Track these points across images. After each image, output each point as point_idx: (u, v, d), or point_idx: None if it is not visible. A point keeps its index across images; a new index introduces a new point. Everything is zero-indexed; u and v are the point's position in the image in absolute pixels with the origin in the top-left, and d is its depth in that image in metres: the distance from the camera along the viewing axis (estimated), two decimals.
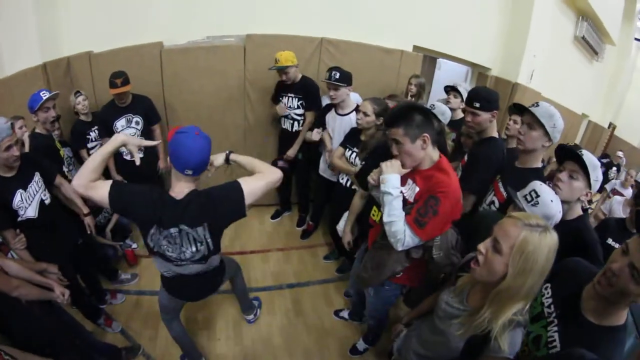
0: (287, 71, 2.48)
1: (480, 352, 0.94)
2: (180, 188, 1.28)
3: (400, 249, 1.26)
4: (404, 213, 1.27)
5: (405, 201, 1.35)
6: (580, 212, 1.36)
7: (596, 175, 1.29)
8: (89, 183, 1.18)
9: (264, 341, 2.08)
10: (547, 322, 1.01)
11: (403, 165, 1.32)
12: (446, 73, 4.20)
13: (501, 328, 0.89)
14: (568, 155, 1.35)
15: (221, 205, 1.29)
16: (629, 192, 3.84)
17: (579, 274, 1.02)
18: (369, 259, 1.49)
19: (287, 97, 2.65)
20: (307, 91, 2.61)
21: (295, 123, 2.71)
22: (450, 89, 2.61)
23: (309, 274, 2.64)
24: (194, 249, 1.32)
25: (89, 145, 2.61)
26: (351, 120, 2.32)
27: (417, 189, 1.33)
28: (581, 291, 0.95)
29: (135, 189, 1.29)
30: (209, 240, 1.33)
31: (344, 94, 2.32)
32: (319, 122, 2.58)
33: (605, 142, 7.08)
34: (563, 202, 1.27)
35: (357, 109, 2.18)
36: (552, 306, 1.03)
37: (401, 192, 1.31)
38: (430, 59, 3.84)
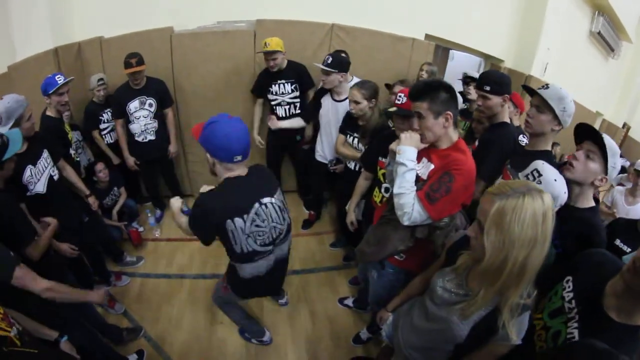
0: (276, 56, 2.42)
1: (485, 340, 0.89)
2: (238, 171, 1.27)
3: (406, 223, 1.21)
4: (415, 187, 1.22)
5: (418, 178, 1.30)
6: (593, 203, 1.24)
7: (614, 161, 1.18)
8: None
9: (266, 327, 2.04)
10: (567, 318, 0.95)
11: (422, 140, 1.27)
12: (459, 64, 4.13)
13: (508, 315, 0.83)
14: (588, 134, 1.25)
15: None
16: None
17: (603, 267, 0.95)
18: (373, 232, 1.44)
19: (278, 85, 2.57)
20: (298, 73, 2.56)
21: (292, 107, 2.64)
22: (471, 80, 2.53)
23: (316, 261, 2.60)
24: (282, 220, 1.36)
25: (101, 126, 2.63)
26: (347, 106, 2.23)
27: (432, 166, 1.28)
28: (604, 286, 0.89)
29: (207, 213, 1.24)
30: (286, 204, 1.38)
31: (335, 80, 2.22)
32: (314, 104, 2.49)
33: (620, 142, 6.89)
34: (575, 183, 1.19)
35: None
36: (573, 301, 0.96)
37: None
38: (443, 49, 3.78)
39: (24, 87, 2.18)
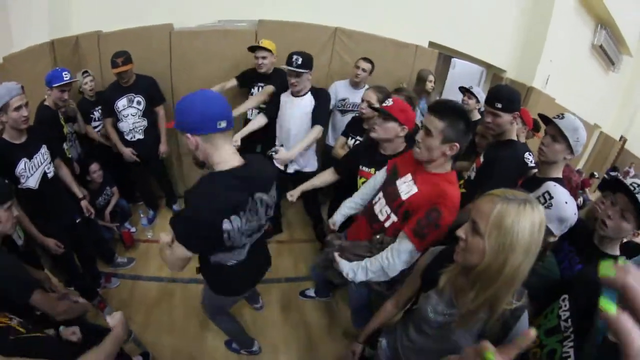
0: (266, 55, 2.37)
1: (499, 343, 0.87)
2: (229, 154, 1.07)
3: (392, 274, 1.24)
4: (364, 263, 1.29)
5: (396, 195, 1.29)
6: (618, 252, 1.19)
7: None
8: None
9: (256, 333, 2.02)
10: (562, 337, 0.95)
11: (415, 153, 1.26)
12: (460, 73, 4.12)
13: (512, 320, 0.82)
14: (620, 186, 1.19)
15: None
16: None
17: (597, 286, 0.94)
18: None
19: (257, 87, 2.51)
20: (283, 83, 2.37)
21: (259, 110, 2.50)
22: (465, 90, 2.56)
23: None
24: (266, 216, 1.22)
25: (93, 124, 2.57)
26: (308, 104, 2.15)
27: (415, 190, 1.26)
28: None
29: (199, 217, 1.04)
30: (275, 197, 1.22)
31: (306, 80, 2.10)
32: (274, 101, 2.32)
33: (616, 154, 6.96)
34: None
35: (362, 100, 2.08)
36: (569, 320, 0.96)
37: (391, 185, 1.35)
38: (445, 57, 3.77)
39: (18, 79, 2.11)
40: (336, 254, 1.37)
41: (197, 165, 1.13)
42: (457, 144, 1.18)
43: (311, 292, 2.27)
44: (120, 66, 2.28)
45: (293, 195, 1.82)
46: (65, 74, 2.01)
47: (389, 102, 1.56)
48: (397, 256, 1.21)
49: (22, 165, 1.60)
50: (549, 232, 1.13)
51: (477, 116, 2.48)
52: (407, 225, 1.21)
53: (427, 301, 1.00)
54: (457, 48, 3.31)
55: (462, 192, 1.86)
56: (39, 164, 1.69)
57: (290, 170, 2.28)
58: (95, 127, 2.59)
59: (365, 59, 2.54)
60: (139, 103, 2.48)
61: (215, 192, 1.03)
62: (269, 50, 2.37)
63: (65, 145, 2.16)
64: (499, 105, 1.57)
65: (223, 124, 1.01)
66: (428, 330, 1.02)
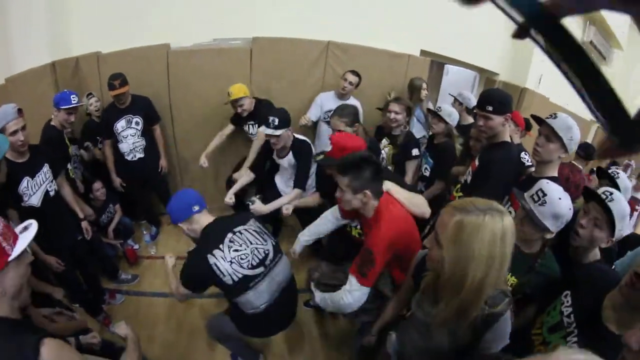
0: (242, 103, 2.44)
1: (468, 353, 0.89)
2: (207, 221, 1.45)
3: (356, 306, 1.34)
4: (327, 296, 1.44)
5: (358, 238, 1.45)
6: (598, 256, 1.22)
7: (622, 226, 1.18)
8: None
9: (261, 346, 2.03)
10: (566, 333, 0.97)
11: (341, 209, 1.49)
12: (454, 78, 4.16)
13: (482, 326, 0.84)
14: (593, 196, 1.24)
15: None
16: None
17: (600, 281, 0.97)
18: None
19: (248, 125, 2.61)
20: (262, 114, 2.40)
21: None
22: (454, 98, 2.68)
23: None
24: (263, 240, 1.47)
25: (100, 146, 2.64)
26: (289, 164, 2.24)
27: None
28: (603, 299, 0.91)
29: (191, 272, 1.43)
30: (264, 229, 1.52)
31: (286, 137, 2.11)
32: (258, 164, 2.44)
33: None
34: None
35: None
36: (571, 315, 0.98)
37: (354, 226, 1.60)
38: (438, 64, 3.82)
39: (20, 100, 2.18)
40: (312, 285, 1.54)
41: (194, 240, 1.50)
42: (367, 190, 1.29)
43: (314, 302, 2.28)
44: (118, 88, 2.33)
45: (288, 208, 1.99)
46: (73, 97, 2.07)
47: (328, 148, 1.65)
48: (348, 295, 1.33)
49: (24, 184, 1.64)
50: (545, 229, 1.15)
51: (468, 120, 2.53)
52: (351, 267, 1.35)
53: (416, 302, 1.04)
54: (448, 55, 3.35)
55: (459, 195, 1.90)
56: (42, 183, 1.72)
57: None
58: (101, 149, 2.65)
59: (353, 72, 2.60)
60: (137, 123, 2.54)
61: (200, 241, 1.43)
62: (242, 96, 2.44)
63: (69, 166, 2.21)
64: (490, 108, 1.58)
65: (196, 207, 1.42)
66: (421, 329, 1.05)
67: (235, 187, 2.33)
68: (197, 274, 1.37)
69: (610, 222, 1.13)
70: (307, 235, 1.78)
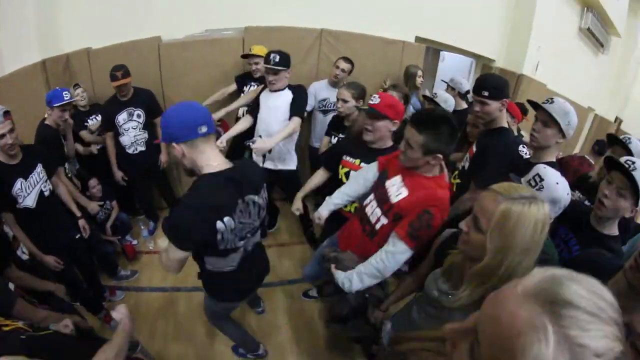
0: (258, 62, 2.43)
1: None
2: (214, 157, 1.11)
3: (387, 275, 1.28)
4: (358, 268, 1.31)
5: (386, 198, 1.31)
6: (617, 232, 1.22)
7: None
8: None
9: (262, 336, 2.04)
10: None
11: (400, 159, 1.29)
12: (450, 65, 4.13)
13: None
14: (616, 165, 1.23)
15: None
16: None
17: (600, 268, 0.95)
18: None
19: (249, 86, 2.59)
20: None
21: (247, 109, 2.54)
22: (446, 84, 2.67)
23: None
24: (258, 217, 1.26)
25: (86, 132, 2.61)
26: (286, 98, 2.13)
27: (405, 193, 1.27)
28: (605, 285, 0.89)
29: (184, 219, 1.08)
30: (266, 199, 1.29)
31: (284, 78, 2.10)
32: (256, 102, 2.29)
33: None
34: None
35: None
36: None
37: (380, 186, 1.37)
38: (433, 50, 3.78)
39: (12, 100, 2.17)
40: (332, 266, 1.38)
41: (188, 174, 1.18)
42: (439, 154, 1.20)
43: (314, 292, 2.28)
44: (120, 79, 2.31)
45: (300, 208, 1.80)
46: (65, 94, 2.03)
47: (375, 100, 1.54)
48: (392, 258, 1.24)
49: (18, 185, 1.62)
50: None
51: (462, 105, 2.51)
52: (399, 227, 1.23)
53: (433, 279, 1.02)
54: (444, 41, 3.32)
55: (457, 182, 1.89)
56: (35, 183, 1.70)
57: (267, 165, 2.25)
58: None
59: (345, 59, 2.56)
60: (139, 116, 2.51)
61: (207, 192, 1.07)
62: (261, 56, 2.39)
63: (65, 165, 2.18)
64: (486, 94, 1.58)
65: (204, 129, 1.06)
66: (430, 310, 1.04)
67: (232, 132, 2.20)
68: (195, 233, 1.08)
69: (634, 191, 1.12)
70: (338, 198, 1.62)
